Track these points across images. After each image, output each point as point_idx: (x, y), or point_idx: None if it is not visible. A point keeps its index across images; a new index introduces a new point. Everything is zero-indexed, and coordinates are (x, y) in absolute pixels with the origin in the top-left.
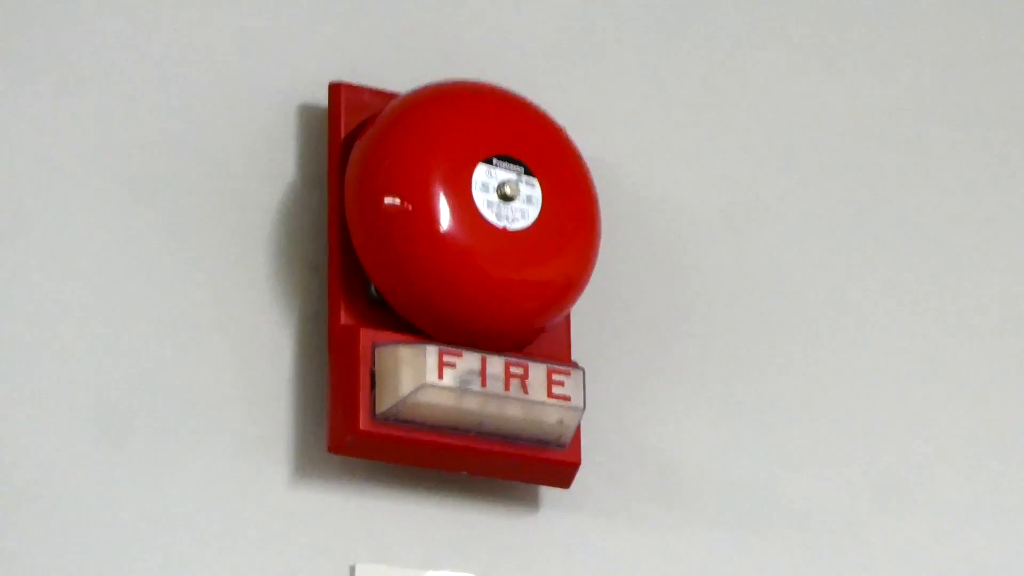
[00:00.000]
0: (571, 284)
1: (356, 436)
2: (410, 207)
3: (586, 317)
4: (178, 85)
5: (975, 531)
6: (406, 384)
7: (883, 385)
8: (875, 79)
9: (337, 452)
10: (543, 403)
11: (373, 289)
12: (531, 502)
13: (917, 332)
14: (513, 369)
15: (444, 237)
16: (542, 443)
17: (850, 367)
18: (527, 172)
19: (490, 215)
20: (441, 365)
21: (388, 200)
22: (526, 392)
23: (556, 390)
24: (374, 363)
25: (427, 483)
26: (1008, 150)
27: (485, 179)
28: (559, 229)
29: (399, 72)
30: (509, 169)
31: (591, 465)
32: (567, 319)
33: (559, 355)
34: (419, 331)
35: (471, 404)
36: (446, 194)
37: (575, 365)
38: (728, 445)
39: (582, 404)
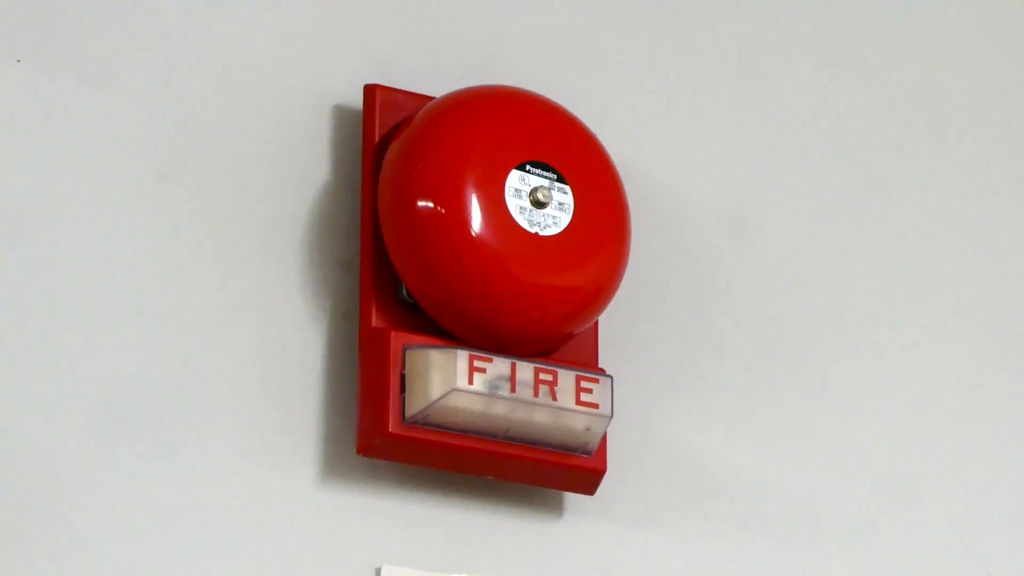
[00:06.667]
0: (601, 290)
1: (384, 438)
2: (443, 211)
3: (613, 324)
4: (213, 84)
5: (994, 538)
6: (436, 388)
7: (913, 392)
8: (899, 79)
9: (365, 454)
10: (571, 410)
11: (405, 291)
12: (556, 508)
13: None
14: (542, 375)
15: (476, 241)
16: (568, 449)
17: (877, 374)
18: (560, 179)
19: (522, 220)
20: (472, 370)
21: (422, 203)
22: (555, 399)
23: (584, 397)
24: (404, 366)
25: (453, 487)
26: (1016, 151)
27: (518, 185)
28: (590, 236)
29: (434, 75)
30: (542, 176)
31: (616, 472)
32: (594, 325)
33: (586, 361)
34: (449, 335)
35: (500, 409)
36: (479, 198)
37: (603, 372)
38: (754, 453)
39: (610, 412)
